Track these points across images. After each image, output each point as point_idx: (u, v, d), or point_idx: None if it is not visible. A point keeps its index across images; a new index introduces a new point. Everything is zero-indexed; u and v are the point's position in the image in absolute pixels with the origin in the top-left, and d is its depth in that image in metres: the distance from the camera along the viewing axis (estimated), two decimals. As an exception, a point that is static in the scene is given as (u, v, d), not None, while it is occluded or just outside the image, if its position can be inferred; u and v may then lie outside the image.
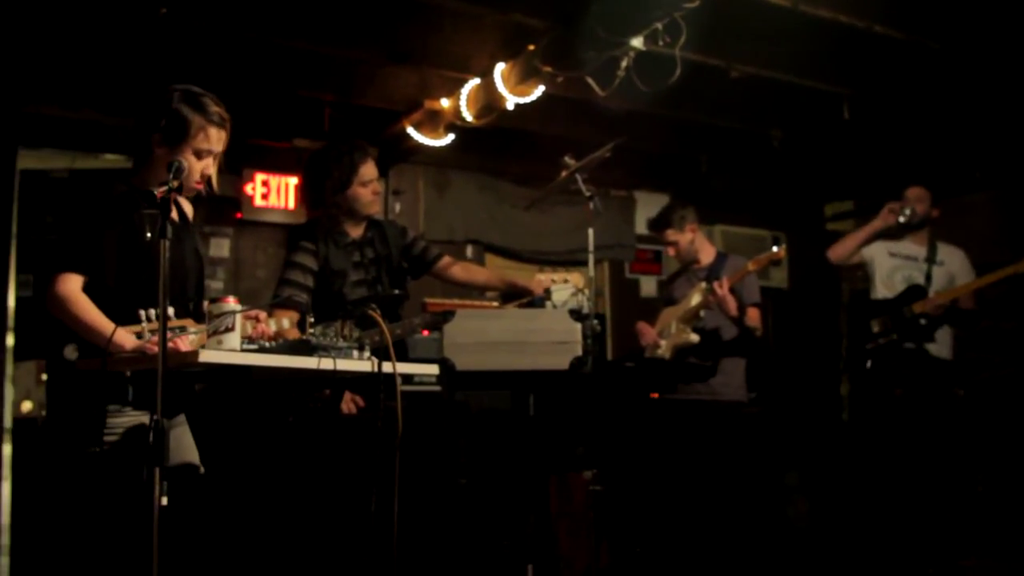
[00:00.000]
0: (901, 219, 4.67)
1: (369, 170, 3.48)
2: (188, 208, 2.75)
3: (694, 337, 4.31)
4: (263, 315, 2.67)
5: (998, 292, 5.39)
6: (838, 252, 4.91)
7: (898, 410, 4.67)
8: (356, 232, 3.53)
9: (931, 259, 4.73)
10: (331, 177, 3.40)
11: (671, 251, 4.71)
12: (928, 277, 4.70)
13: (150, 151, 2.50)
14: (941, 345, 4.64)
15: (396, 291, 3.49)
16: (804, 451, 5.83)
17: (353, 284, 3.46)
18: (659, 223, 4.72)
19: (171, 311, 2.19)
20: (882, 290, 4.76)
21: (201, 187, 2.55)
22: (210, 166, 2.54)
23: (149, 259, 2.38)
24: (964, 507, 4.77)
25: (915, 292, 4.64)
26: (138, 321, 2.26)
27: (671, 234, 4.63)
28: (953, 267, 4.69)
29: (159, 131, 2.47)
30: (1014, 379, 5.41)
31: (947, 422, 4.63)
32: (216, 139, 2.51)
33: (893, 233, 4.83)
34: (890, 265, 4.79)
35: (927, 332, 4.58)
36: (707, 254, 4.66)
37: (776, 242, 4.34)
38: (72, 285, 2.36)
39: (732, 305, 4.21)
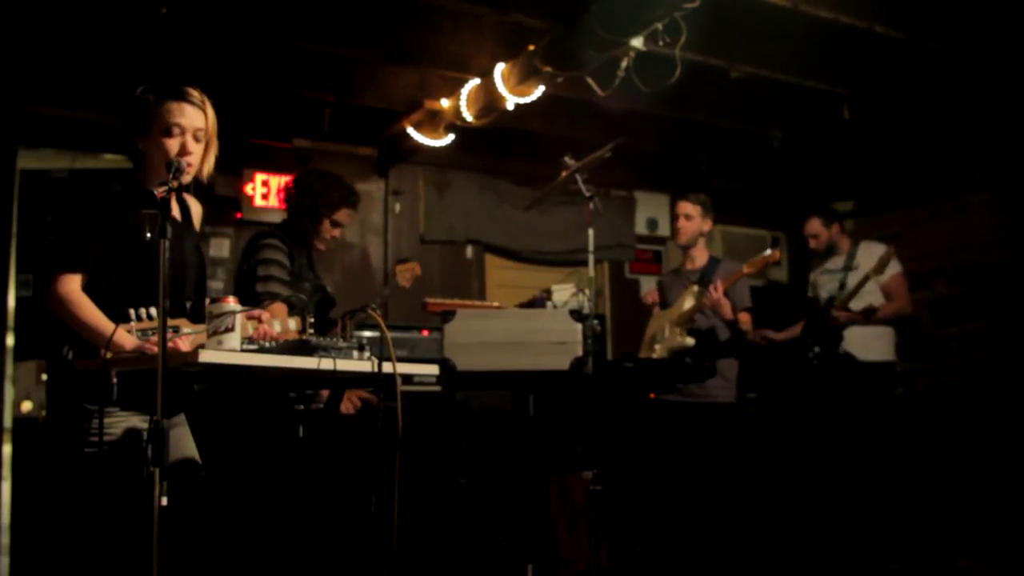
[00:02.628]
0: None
1: (347, 216, 3.81)
2: (196, 209, 2.74)
3: (689, 340, 4.29)
4: (266, 315, 2.67)
5: (997, 292, 5.39)
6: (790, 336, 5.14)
7: (834, 416, 4.87)
8: None
9: (848, 266, 4.91)
10: (326, 197, 3.73)
11: (679, 223, 4.62)
12: (842, 285, 4.86)
13: (136, 149, 2.49)
14: (871, 349, 4.78)
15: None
16: (803, 451, 5.83)
17: (311, 290, 3.65)
18: (684, 192, 4.67)
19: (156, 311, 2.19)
20: None
21: (190, 168, 2.45)
22: (189, 144, 2.44)
23: (144, 258, 2.38)
24: (961, 507, 4.78)
25: (830, 304, 4.83)
26: (129, 320, 2.25)
27: (689, 207, 4.57)
28: (865, 268, 4.75)
29: (129, 121, 2.46)
30: (1011, 379, 5.41)
31: (883, 424, 4.79)
32: (180, 112, 2.43)
33: (826, 254, 5.05)
34: (822, 282, 5.05)
35: (834, 339, 4.79)
36: (701, 256, 4.66)
37: (774, 243, 4.34)
38: (72, 285, 2.36)
39: (727, 308, 4.22)
